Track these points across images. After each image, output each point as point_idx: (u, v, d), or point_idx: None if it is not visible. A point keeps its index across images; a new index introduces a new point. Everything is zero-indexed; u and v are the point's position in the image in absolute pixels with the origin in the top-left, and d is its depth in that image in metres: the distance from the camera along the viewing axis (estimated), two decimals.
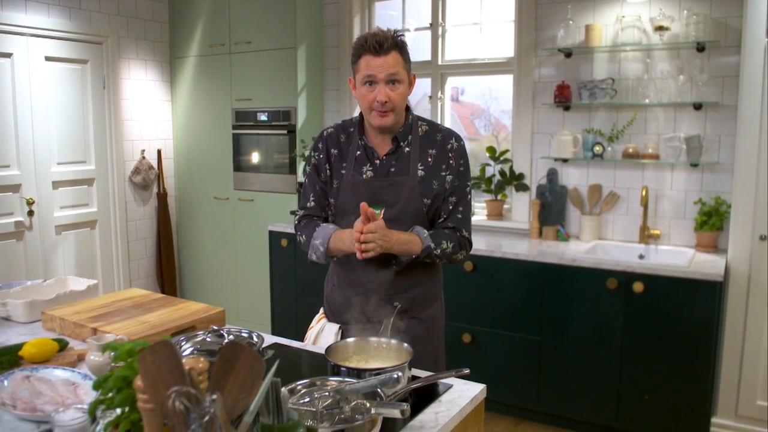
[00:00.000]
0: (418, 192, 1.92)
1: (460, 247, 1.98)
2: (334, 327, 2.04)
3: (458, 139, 2.01)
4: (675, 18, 3.45)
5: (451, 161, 1.96)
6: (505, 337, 3.47)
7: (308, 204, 2.05)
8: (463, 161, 1.99)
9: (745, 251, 3.11)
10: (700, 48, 3.38)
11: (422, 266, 1.99)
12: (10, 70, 3.97)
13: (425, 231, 1.92)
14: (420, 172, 1.94)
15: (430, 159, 1.95)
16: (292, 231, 4.08)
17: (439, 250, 1.91)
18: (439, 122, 3.42)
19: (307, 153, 4.24)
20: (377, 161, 1.96)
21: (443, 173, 1.95)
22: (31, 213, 4.14)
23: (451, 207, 1.97)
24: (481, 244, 3.55)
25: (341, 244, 1.90)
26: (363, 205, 1.77)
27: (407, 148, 1.96)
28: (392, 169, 1.94)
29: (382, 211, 1.92)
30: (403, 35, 1.88)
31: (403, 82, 1.87)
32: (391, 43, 1.82)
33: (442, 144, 1.97)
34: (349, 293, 2.01)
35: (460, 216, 1.98)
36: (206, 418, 0.93)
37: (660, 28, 3.44)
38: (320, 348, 1.95)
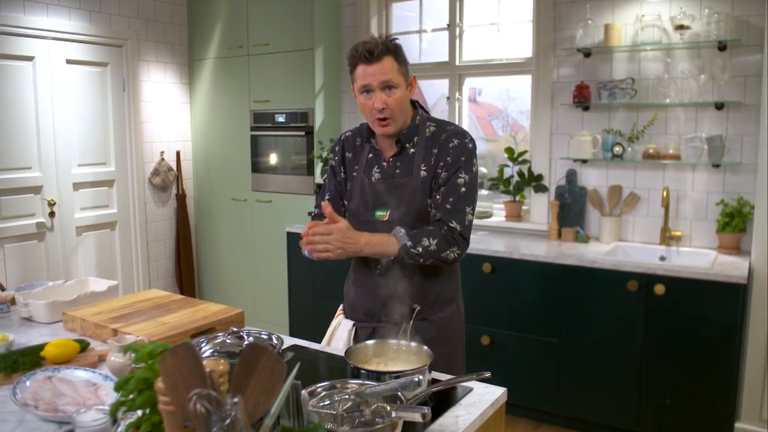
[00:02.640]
0: (420, 193, 1.91)
1: (448, 243, 1.85)
2: (348, 324, 2.06)
3: (463, 137, 1.94)
4: (696, 17, 3.40)
5: (448, 158, 1.91)
6: (524, 340, 3.44)
7: (322, 203, 2.04)
8: (464, 158, 1.90)
9: None
10: (722, 47, 3.33)
11: (434, 267, 1.98)
12: (31, 73, 4.02)
13: (402, 230, 1.85)
14: (423, 173, 1.92)
15: (432, 159, 1.93)
16: None
17: (420, 249, 1.82)
18: (456, 123, 3.40)
19: (324, 155, 4.26)
20: (384, 163, 1.98)
21: (439, 170, 1.91)
22: (52, 214, 4.19)
23: (439, 197, 1.89)
24: (499, 246, 3.53)
25: None
26: (324, 205, 1.78)
27: (412, 150, 1.96)
28: (397, 171, 1.96)
29: (388, 213, 1.93)
30: (395, 39, 1.88)
31: (399, 86, 1.86)
32: (382, 49, 1.81)
33: (444, 143, 1.94)
34: (364, 292, 2.02)
35: (449, 207, 1.87)
36: (227, 421, 0.92)
37: (680, 27, 3.40)
38: (337, 350, 1.95)
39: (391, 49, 1.84)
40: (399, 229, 1.85)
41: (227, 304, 2.26)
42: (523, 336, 3.45)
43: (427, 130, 1.97)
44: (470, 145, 1.94)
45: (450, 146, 1.92)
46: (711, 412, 3.02)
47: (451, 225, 1.86)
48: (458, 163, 1.90)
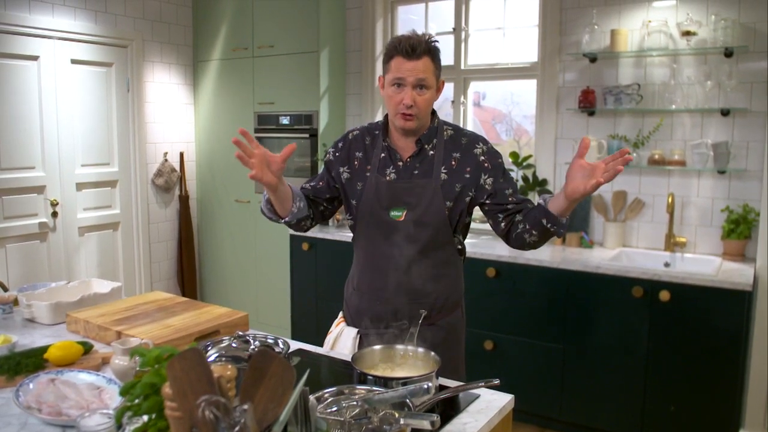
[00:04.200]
0: (440, 195, 1.91)
1: None
2: (352, 332, 2.03)
3: (485, 142, 2.00)
4: (702, 23, 3.40)
5: (486, 164, 1.94)
6: (528, 345, 3.43)
7: (306, 185, 2.08)
8: (501, 160, 1.99)
9: None
10: (728, 53, 3.32)
11: (444, 271, 1.97)
12: (36, 73, 4.01)
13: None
14: (443, 176, 1.93)
15: (453, 162, 1.94)
16: (313, 235, 4.11)
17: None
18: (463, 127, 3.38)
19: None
20: (400, 163, 1.96)
21: (466, 175, 1.93)
22: (55, 214, 4.18)
23: (512, 199, 1.93)
24: (503, 250, 3.52)
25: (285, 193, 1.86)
26: (585, 139, 1.70)
27: (431, 151, 1.96)
28: (416, 172, 1.94)
29: (404, 213, 1.91)
30: (437, 41, 1.88)
31: (431, 88, 1.87)
32: (423, 49, 1.83)
33: (467, 148, 1.96)
34: (368, 297, 2.00)
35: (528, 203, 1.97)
36: (236, 429, 0.91)
37: (687, 33, 3.39)
38: (342, 354, 1.93)
39: (431, 50, 1.86)
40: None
41: (229, 306, 2.25)
42: (526, 341, 3.43)
43: (445, 133, 1.99)
44: (495, 148, 2.01)
45: (476, 152, 1.95)
46: (715, 419, 3.00)
47: None
48: (499, 166, 1.96)
